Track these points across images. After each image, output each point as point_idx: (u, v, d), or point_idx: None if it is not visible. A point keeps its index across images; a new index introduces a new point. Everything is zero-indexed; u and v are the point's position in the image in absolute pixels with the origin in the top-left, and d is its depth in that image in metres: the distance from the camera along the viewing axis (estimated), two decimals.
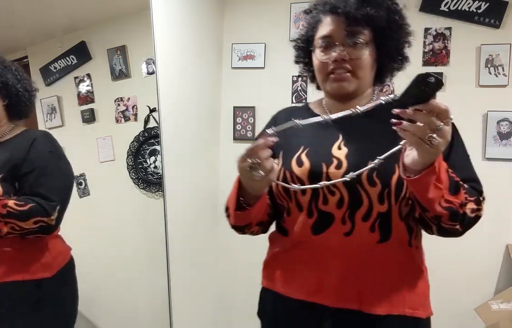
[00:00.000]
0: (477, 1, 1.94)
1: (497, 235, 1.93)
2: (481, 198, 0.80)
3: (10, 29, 2.25)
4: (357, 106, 0.75)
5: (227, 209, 0.92)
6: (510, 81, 1.92)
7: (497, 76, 1.94)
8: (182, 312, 1.88)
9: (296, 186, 0.82)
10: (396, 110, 0.65)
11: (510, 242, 1.94)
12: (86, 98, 1.99)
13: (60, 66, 2.42)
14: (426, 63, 2.00)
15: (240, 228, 0.92)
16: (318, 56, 0.89)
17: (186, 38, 1.95)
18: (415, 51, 1.99)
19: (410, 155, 0.70)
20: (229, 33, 2.30)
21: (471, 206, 0.77)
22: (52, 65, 2.44)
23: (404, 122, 0.65)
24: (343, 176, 0.79)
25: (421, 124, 0.63)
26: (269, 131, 0.75)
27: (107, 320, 1.88)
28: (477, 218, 0.78)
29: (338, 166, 0.83)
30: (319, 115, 0.88)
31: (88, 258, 1.59)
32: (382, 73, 0.94)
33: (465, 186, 0.78)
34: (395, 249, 0.83)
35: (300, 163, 0.86)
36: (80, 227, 1.71)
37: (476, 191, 0.80)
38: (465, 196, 0.76)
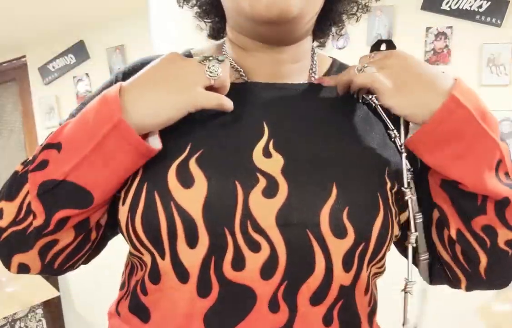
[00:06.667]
0: (478, 0, 1.93)
1: None
2: None
3: (9, 28, 2.24)
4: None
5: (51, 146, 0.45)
6: None
7: (498, 75, 1.93)
8: None
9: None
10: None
11: None
12: (84, 98, 1.99)
13: (58, 65, 2.42)
14: (427, 62, 1.99)
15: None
16: None
17: (185, 36, 1.94)
18: (416, 50, 2.00)
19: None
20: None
21: None
22: (50, 64, 2.44)
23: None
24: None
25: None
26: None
27: None
28: None
29: (269, 191, 0.43)
30: None
31: None
32: (327, 17, 0.57)
33: None
34: None
35: (185, 179, 0.44)
36: None
37: None
38: None
